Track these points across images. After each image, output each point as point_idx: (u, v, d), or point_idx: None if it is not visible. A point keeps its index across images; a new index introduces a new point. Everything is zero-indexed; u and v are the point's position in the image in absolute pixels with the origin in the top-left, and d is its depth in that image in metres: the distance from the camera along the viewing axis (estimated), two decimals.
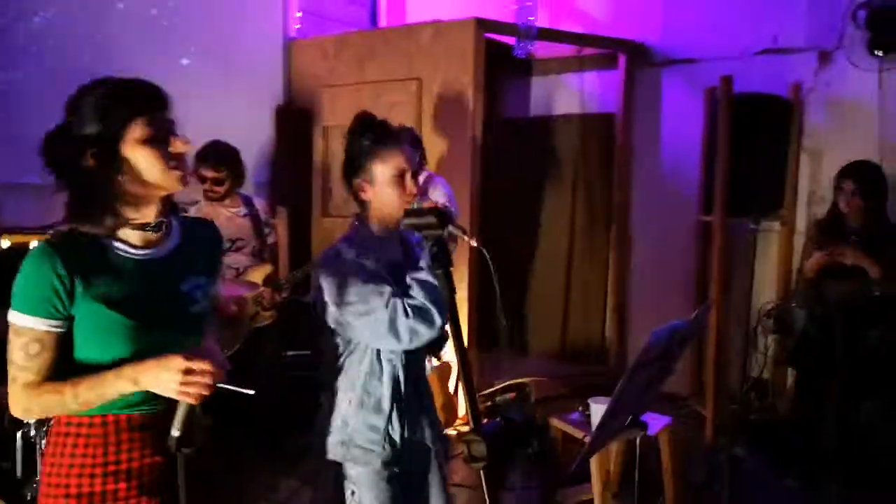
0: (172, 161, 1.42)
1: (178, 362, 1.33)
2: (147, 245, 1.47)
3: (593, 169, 5.22)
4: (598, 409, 2.82)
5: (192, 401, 1.36)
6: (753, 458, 3.70)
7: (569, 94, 5.36)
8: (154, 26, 4.40)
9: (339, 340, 1.93)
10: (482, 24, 4.44)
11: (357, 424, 1.89)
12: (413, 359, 1.93)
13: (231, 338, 3.81)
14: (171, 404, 1.46)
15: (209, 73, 4.62)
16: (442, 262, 1.31)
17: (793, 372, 4.12)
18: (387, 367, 1.89)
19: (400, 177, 1.90)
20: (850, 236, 3.48)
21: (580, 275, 5.36)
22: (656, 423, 2.87)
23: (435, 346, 1.92)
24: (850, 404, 3.50)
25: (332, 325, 1.91)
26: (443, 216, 1.31)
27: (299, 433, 4.08)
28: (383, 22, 5.95)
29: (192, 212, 3.68)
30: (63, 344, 1.40)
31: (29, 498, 2.37)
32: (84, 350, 1.41)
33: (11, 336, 1.38)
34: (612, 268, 5.12)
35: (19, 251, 3.26)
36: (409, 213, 1.37)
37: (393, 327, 1.77)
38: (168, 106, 1.45)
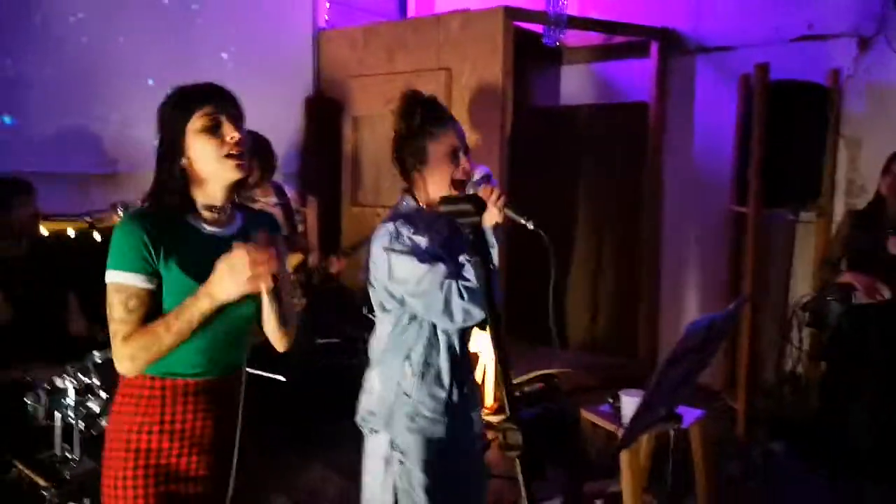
0: (225, 149, 1.56)
1: (240, 255, 1.44)
2: (215, 224, 1.63)
3: (624, 159, 5.15)
4: (629, 402, 2.79)
5: (263, 287, 1.47)
6: (788, 452, 3.64)
7: (599, 83, 5.30)
8: (185, 19, 4.44)
9: (390, 314, 1.95)
10: (511, 13, 4.40)
11: (421, 396, 1.92)
12: (465, 332, 1.97)
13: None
14: (223, 373, 1.65)
15: (239, 64, 4.65)
16: (478, 249, 1.30)
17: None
18: (443, 339, 1.93)
19: (454, 155, 1.92)
20: (888, 228, 3.40)
21: (610, 265, 5.32)
22: (689, 415, 2.83)
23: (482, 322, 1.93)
24: (886, 400, 3.43)
25: (384, 300, 1.93)
26: (479, 203, 1.29)
27: (329, 420, 4.13)
28: (412, 12, 5.93)
29: None
30: (155, 302, 1.54)
31: (68, 477, 2.42)
32: (168, 308, 1.55)
33: (112, 294, 1.54)
34: (643, 258, 5.06)
35: (58, 238, 3.33)
36: (444, 201, 1.35)
37: (447, 308, 1.81)
38: (226, 101, 1.60)
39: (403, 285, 1.85)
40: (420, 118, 1.92)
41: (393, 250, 1.85)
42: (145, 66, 4.03)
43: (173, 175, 1.58)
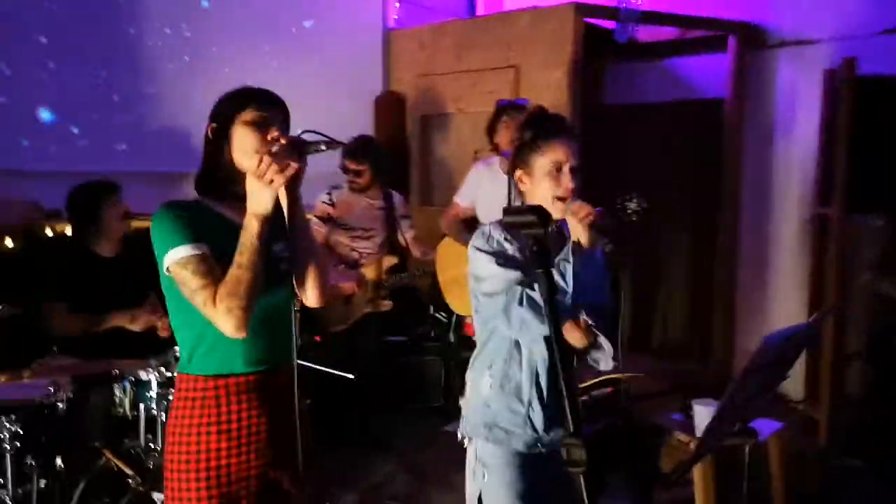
0: (265, 146, 1.54)
1: (257, 159, 1.50)
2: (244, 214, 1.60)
3: (700, 158, 4.98)
4: (701, 411, 2.69)
5: (294, 168, 1.51)
6: (870, 469, 3.45)
7: (674, 80, 5.14)
8: (258, 21, 4.57)
9: (478, 317, 1.98)
10: (581, 9, 4.32)
11: (499, 407, 1.92)
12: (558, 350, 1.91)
13: (345, 313, 4.00)
14: (279, 365, 1.67)
15: (311, 64, 4.74)
16: (542, 262, 1.26)
17: None
18: (525, 353, 1.92)
19: (557, 170, 1.89)
20: None
21: (685, 268, 5.16)
22: (767, 428, 2.71)
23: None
24: None
25: (473, 298, 1.96)
26: (544, 215, 1.26)
27: (396, 417, 4.17)
28: (481, 10, 5.89)
29: (335, 195, 3.87)
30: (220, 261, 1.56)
31: (151, 466, 2.52)
32: None
33: (180, 273, 1.55)
34: (719, 262, 4.89)
35: (143, 234, 3.46)
36: (507, 211, 1.33)
37: (506, 312, 1.81)
38: (280, 109, 1.66)
39: (480, 284, 1.88)
40: (532, 130, 1.93)
41: (480, 249, 1.88)
42: (230, 70, 4.19)
43: (219, 161, 1.64)
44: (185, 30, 4.25)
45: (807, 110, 4.32)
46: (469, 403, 2.01)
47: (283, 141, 1.54)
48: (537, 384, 1.91)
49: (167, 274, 1.59)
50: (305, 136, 1.56)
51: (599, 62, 5.18)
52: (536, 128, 1.94)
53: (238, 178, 1.61)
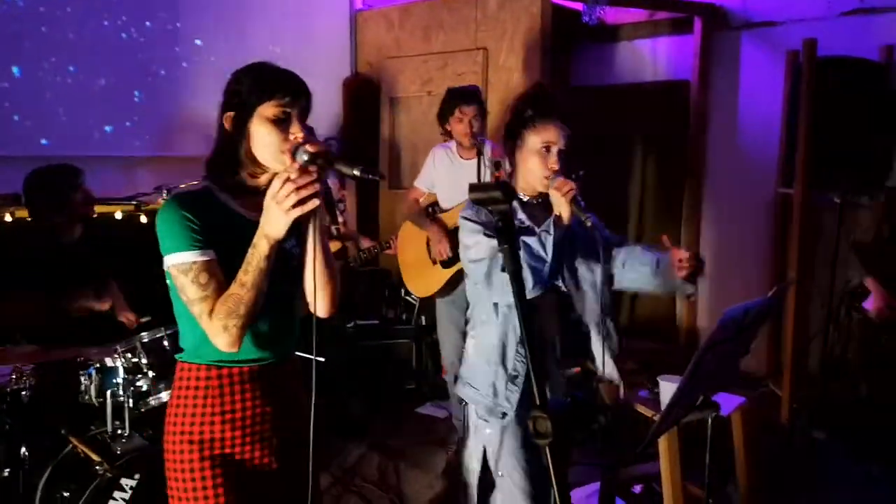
0: (287, 145, 1.50)
1: (281, 183, 1.41)
2: (255, 209, 1.55)
3: (666, 139, 5.05)
4: (667, 388, 2.75)
5: (314, 204, 1.41)
6: (833, 441, 3.55)
7: (640, 61, 5.18)
8: (228, 4, 4.49)
9: (471, 284, 2.08)
10: None
11: (476, 366, 2.06)
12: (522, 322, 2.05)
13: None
14: (277, 358, 1.64)
15: (278, 46, 4.68)
16: (507, 237, 1.28)
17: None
18: (500, 320, 2.01)
19: (546, 149, 1.98)
20: None
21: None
22: (730, 402, 2.78)
23: None
24: None
25: (464, 267, 2.06)
26: (509, 190, 1.27)
27: (367, 400, 4.18)
28: None
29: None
30: (222, 270, 1.51)
31: (119, 452, 2.50)
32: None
33: (178, 278, 1.50)
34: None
35: (107, 220, 3.40)
36: (473, 188, 1.34)
37: (488, 278, 1.92)
38: (302, 95, 1.55)
39: (466, 251, 1.98)
40: (530, 106, 2.02)
41: (468, 219, 1.98)
42: (194, 52, 4.11)
43: (235, 152, 1.55)
44: (164, 20, 4.15)
45: (771, 91, 4.39)
46: (469, 364, 2.13)
47: (310, 149, 1.44)
48: (503, 350, 2.02)
49: (167, 271, 1.54)
50: (331, 145, 1.50)
51: (566, 44, 5.19)
52: (534, 105, 2.02)
53: (255, 170, 1.58)
